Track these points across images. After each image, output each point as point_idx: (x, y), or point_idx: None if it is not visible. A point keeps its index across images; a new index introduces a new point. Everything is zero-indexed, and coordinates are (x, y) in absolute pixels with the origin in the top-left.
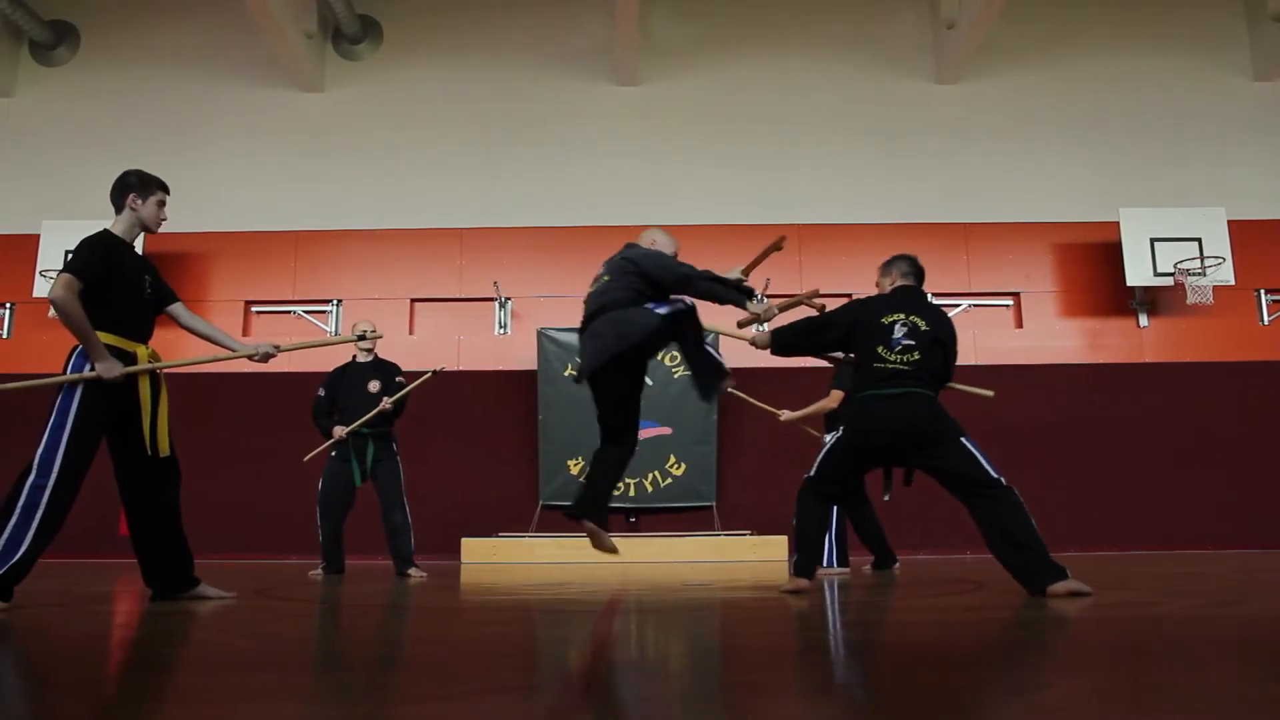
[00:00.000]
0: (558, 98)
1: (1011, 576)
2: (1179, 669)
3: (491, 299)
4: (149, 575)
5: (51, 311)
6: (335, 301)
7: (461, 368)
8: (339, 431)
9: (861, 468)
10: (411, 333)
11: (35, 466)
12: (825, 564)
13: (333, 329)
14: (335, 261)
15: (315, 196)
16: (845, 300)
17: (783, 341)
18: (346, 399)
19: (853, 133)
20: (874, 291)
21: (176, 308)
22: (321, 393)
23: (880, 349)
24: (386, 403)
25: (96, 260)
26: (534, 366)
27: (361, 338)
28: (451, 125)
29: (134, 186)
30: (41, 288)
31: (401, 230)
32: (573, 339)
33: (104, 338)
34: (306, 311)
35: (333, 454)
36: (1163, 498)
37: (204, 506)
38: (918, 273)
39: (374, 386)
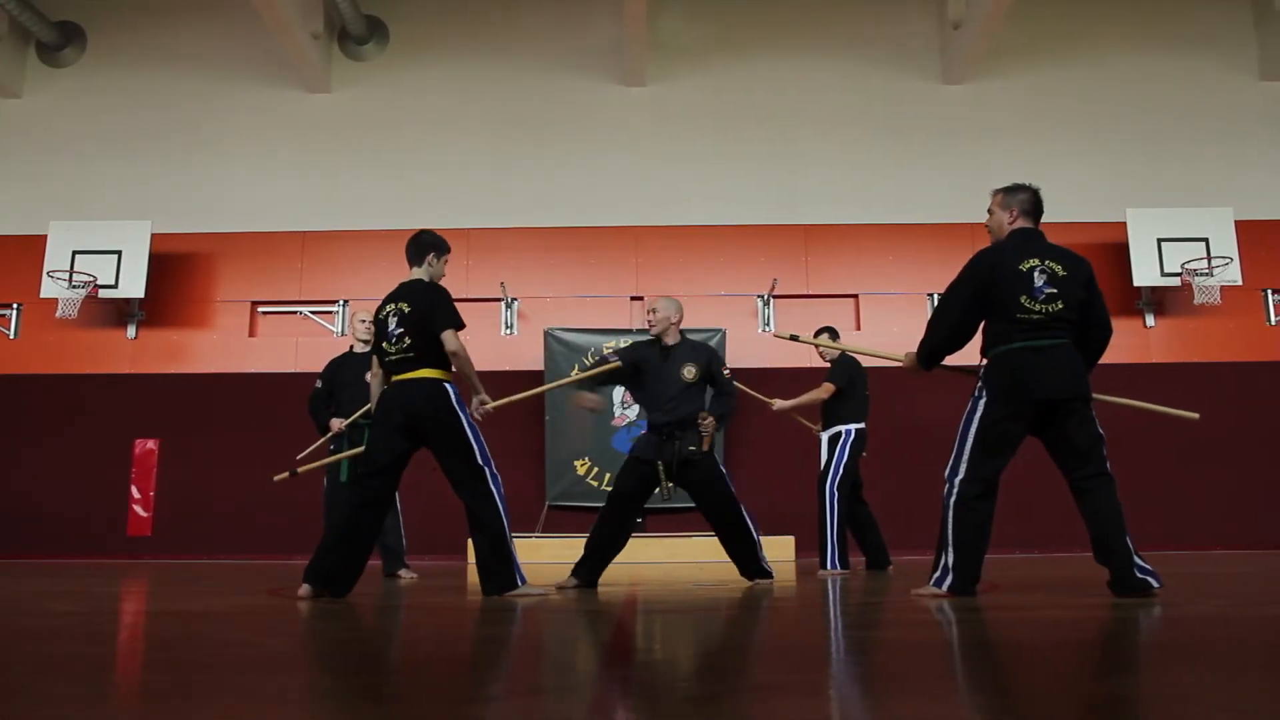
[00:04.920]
0: (565, 98)
1: (1108, 574)
2: (1221, 669)
3: (498, 299)
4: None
5: (60, 311)
6: (342, 302)
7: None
8: (337, 424)
9: (1019, 439)
10: None
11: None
12: (830, 565)
13: (339, 330)
14: (342, 262)
15: (322, 197)
16: (852, 300)
17: (926, 354)
18: (345, 390)
19: (861, 133)
20: (878, 292)
21: None
22: (319, 384)
23: (1023, 298)
24: None
25: None
26: (541, 367)
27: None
28: (458, 126)
29: (432, 246)
30: (49, 288)
31: (408, 231)
32: (579, 339)
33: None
34: (313, 312)
35: (331, 448)
36: (1169, 498)
37: (211, 506)
38: (1038, 211)
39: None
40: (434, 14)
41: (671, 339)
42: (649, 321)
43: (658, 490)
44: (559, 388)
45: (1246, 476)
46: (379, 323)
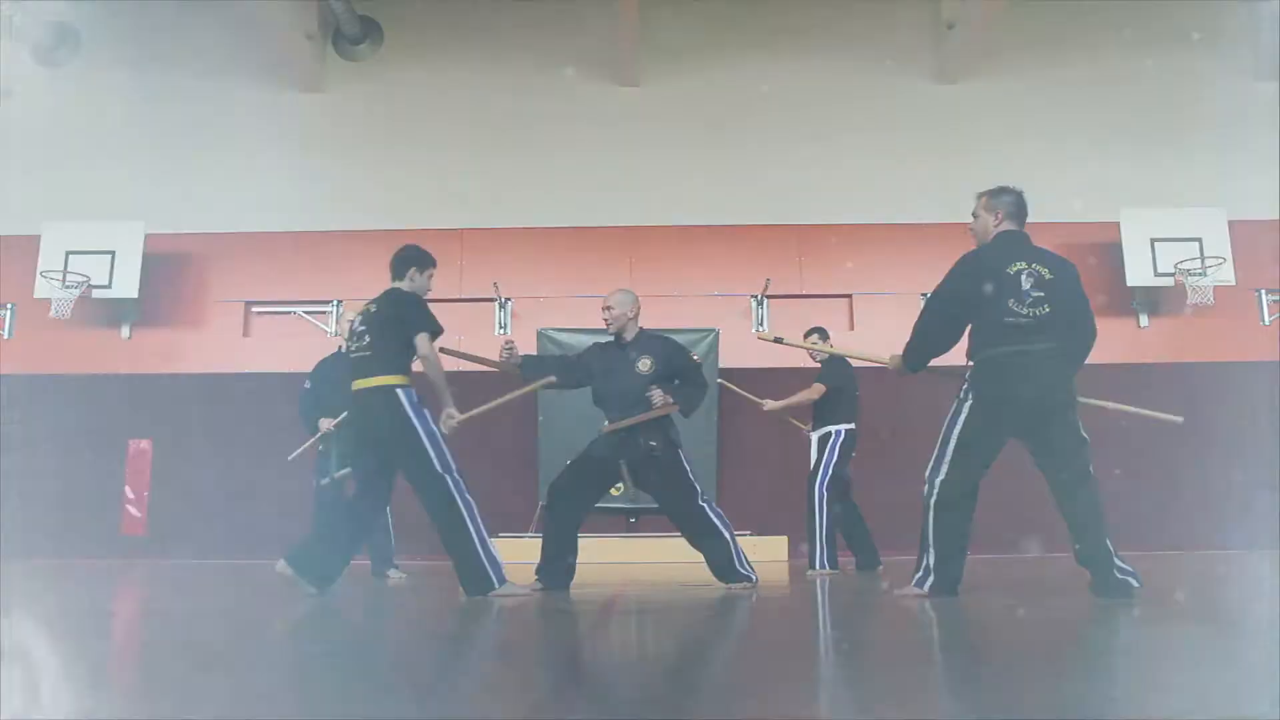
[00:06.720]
0: (558, 98)
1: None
2: (1201, 669)
3: (492, 299)
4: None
5: (53, 311)
6: (336, 302)
7: (461, 368)
8: (326, 424)
9: (1002, 442)
10: None
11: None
12: (819, 565)
13: (333, 329)
14: (336, 262)
15: (316, 197)
16: (845, 300)
17: (913, 357)
18: (334, 390)
19: (854, 133)
20: (872, 292)
21: None
22: (308, 385)
23: (1010, 302)
24: None
25: None
26: None
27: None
28: (452, 126)
29: (413, 260)
30: (42, 288)
31: (402, 231)
32: (573, 339)
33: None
34: (307, 312)
35: (320, 448)
36: (1162, 499)
37: (205, 507)
38: (1022, 213)
39: None
40: (428, 14)
41: (630, 334)
42: (605, 320)
43: (618, 490)
44: (506, 402)
45: (1240, 477)
46: (352, 326)
